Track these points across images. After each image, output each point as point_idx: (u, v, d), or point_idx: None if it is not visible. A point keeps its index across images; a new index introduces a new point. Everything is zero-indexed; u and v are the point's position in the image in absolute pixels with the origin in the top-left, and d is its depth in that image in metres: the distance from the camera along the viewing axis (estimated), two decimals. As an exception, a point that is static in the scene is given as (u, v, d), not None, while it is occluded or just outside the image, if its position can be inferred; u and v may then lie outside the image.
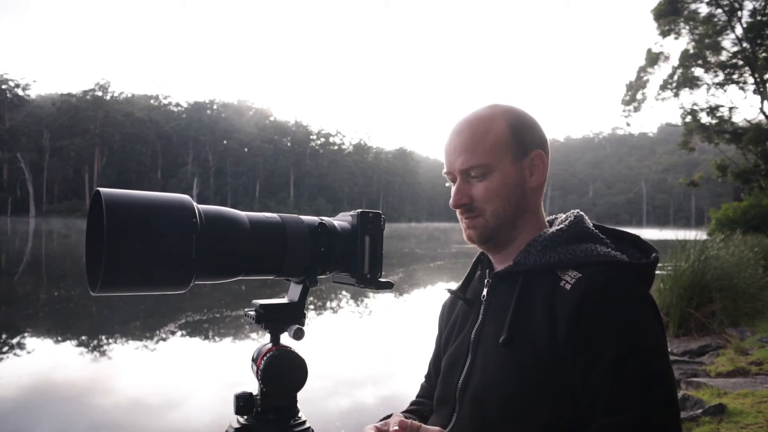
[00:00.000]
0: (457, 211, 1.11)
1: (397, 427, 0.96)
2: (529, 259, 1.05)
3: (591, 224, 1.10)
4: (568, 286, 0.97)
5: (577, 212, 1.12)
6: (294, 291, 1.00)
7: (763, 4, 21.00)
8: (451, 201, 1.09)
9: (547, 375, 0.95)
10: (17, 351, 7.16)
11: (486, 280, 1.13)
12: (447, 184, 1.14)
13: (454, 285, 1.26)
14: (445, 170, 1.12)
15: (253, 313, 0.96)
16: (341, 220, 1.01)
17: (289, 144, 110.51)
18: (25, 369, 6.18)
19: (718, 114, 23.66)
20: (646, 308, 0.96)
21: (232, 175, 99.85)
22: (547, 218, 1.16)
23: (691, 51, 23.46)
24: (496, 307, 1.07)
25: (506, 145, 1.06)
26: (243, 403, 0.92)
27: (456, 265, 20.18)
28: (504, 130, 1.06)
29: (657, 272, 1.05)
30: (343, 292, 12.01)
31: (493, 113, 1.08)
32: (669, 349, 6.21)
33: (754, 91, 22.76)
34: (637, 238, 1.09)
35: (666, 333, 1.00)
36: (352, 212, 1.00)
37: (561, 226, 1.08)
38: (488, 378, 1.00)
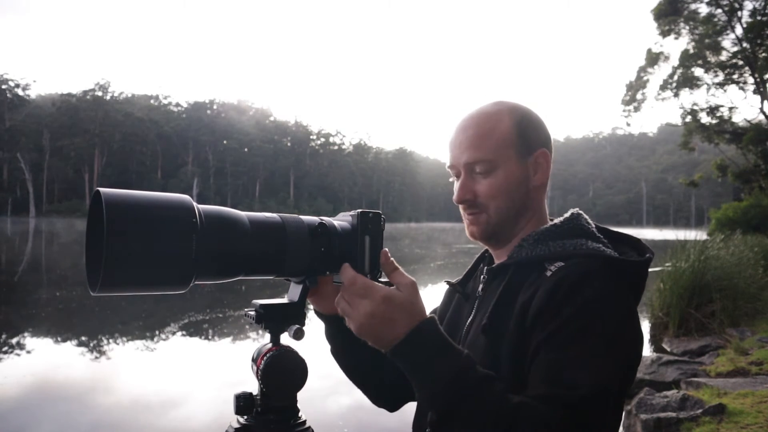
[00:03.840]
0: (461, 207, 1.12)
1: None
2: (521, 253, 1.06)
3: (588, 223, 1.11)
4: (549, 273, 0.98)
5: (575, 210, 1.12)
6: (294, 291, 1.00)
7: (763, 4, 21.03)
8: (454, 196, 1.10)
9: (518, 364, 0.95)
10: (20, 351, 7.16)
11: (482, 276, 1.15)
12: (450, 179, 1.14)
13: (453, 279, 1.28)
14: (448, 164, 1.12)
15: (253, 313, 0.96)
16: (341, 220, 1.01)
17: (289, 144, 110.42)
18: (28, 369, 6.18)
19: (718, 114, 23.70)
20: (617, 302, 0.95)
21: (232, 175, 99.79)
22: (550, 218, 1.17)
23: (691, 51, 23.48)
24: (487, 301, 1.08)
25: (511, 142, 1.06)
26: (243, 403, 0.93)
27: (456, 265, 20.17)
28: (510, 128, 1.07)
29: (656, 270, 1.04)
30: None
31: (500, 110, 1.09)
32: (669, 350, 6.10)
33: (754, 91, 22.78)
34: (637, 240, 1.09)
35: (641, 339, 0.98)
36: (352, 212, 1.00)
37: (555, 221, 1.10)
38: None
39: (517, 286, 1.02)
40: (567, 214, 1.11)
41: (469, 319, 1.12)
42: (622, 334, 0.93)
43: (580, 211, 1.12)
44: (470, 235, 1.12)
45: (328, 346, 1.21)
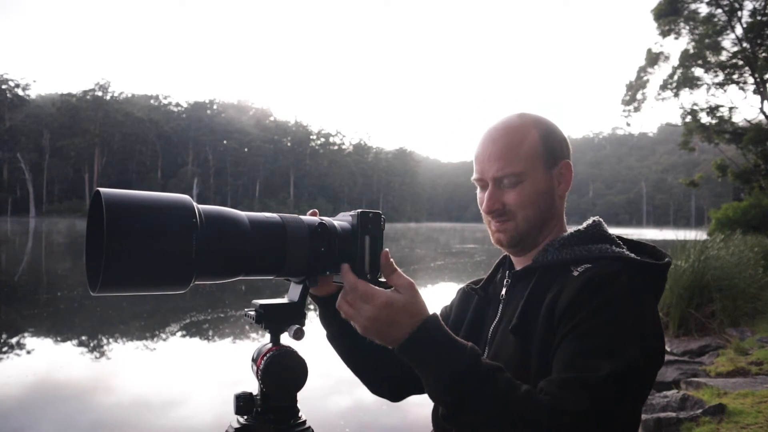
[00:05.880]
0: (486, 216, 1.15)
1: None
2: (546, 257, 1.10)
3: (608, 231, 1.15)
4: (576, 273, 1.02)
5: (596, 218, 1.17)
6: (294, 291, 1.00)
7: (763, 4, 21.00)
8: (483, 207, 1.13)
9: (548, 360, 0.97)
10: (21, 351, 7.16)
11: (506, 280, 1.18)
12: (476, 191, 1.17)
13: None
14: (475, 176, 1.15)
15: (253, 313, 0.96)
16: (341, 220, 1.01)
17: (289, 144, 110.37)
18: (29, 369, 6.18)
19: (718, 114, 23.65)
20: (641, 300, 0.98)
21: (232, 175, 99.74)
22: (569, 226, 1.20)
23: (691, 51, 23.45)
24: (513, 303, 1.11)
25: (539, 154, 1.10)
26: (243, 403, 0.93)
27: (456, 265, 20.16)
28: (537, 140, 1.10)
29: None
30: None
31: (525, 123, 1.12)
32: (669, 350, 6.10)
33: (754, 91, 22.74)
34: (653, 248, 1.12)
35: (663, 337, 1.01)
36: (352, 212, 1.01)
37: (579, 227, 1.14)
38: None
39: (545, 287, 1.05)
40: (589, 221, 1.15)
41: (495, 321, 1.15)
42: (645, 330, 0.95)
43: (600, 219, 1.16)
44: (496, 242, 1.15)
45: (323, 331, 1.20)
